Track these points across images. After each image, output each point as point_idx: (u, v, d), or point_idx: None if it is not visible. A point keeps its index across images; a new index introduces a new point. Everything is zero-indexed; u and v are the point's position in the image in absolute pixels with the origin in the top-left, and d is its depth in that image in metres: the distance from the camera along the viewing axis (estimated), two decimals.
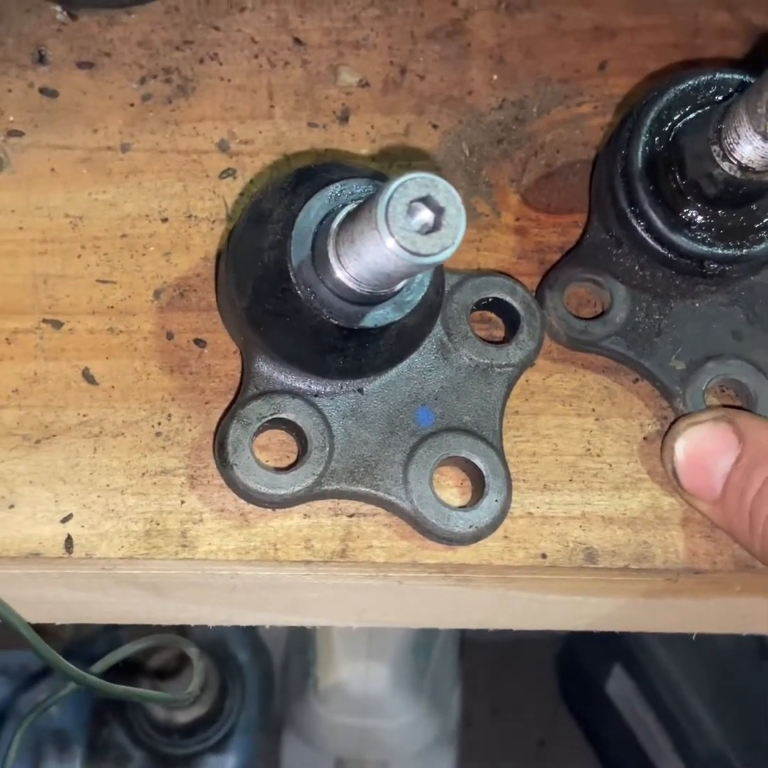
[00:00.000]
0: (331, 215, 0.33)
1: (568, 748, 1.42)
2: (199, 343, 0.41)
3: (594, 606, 0.41)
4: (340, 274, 0.32)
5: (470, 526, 0.37)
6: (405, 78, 0.48)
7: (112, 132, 0.45)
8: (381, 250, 0.28)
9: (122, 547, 0.38)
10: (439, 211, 0.28)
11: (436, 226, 0.28)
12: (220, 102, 0.46)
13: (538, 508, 0.39)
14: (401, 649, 1.04)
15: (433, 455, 0.38)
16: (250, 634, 1.08)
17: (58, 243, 0.43)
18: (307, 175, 0.35)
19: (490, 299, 0.40)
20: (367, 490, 0.37)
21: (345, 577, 0.38)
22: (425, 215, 0.28)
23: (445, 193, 0.28)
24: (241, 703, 1.01)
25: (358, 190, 0.34)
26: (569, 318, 0.41)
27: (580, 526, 0.39)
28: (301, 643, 1.09)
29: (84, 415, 0.40)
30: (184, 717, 0.96)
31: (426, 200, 0.28)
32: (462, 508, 0.38)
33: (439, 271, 0.37)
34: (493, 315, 0.42)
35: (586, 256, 0.42)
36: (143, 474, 0.39)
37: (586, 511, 0.39)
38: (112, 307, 0.42)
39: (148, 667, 0.92)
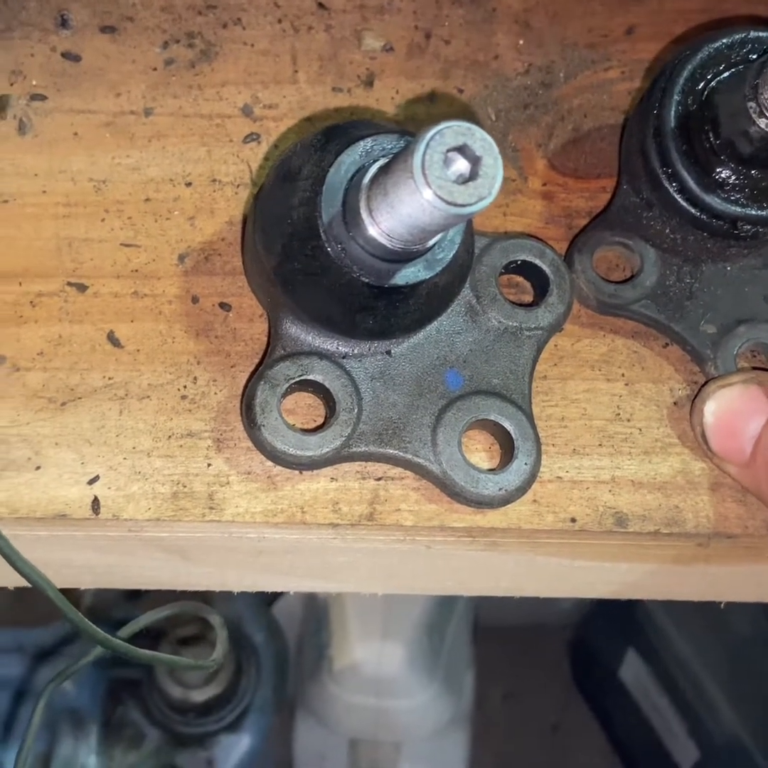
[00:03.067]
0: (362, 171, 0.33)
1: (580, 732, 1.42)
2: (224, 306, 0.41)
3: (622, 572, 0.41)
4: (371, 230, 0.32)
5: (500, 489, 0.37)
6: (430, 43, 0.47)
7: (135, 96, 0.45)
8: (417, 201, 0.28)
9: (149, 508, 0.37)
10: (475, 161, 0.28)
11: (472, 176, 0.28)
12: (243, 67, 0.46)
13: (567, 472, 0.39)
14: (416, 629, 1.04)
15: (462, 418, 0.38)
16: (265, 615, 1.08)
17: (81, 207, 0.42)
18: (336, 132, 0.35)
19: (518, 262, 0.40)
20: (396, 452, 0.37)
21: (372, 540, 0.38)
22: (461, 165, 0.28)
23: (482, 141, 0.28)
24: (256, 682, 1.02)
25: (389, 146, 0.33)
26: (599, 281, 0.40)
27: (610, 491, 0.39)
28: (315, 624, 1.09)
29: (109, 378, 0.39)
30: (199, 696, 0.97)
31: (462, 149, 0.28)
32: (491, 471, 0.37)
33: (470, 230, 0.36)
34: (520, 280, 0.42)
35: (616, 219, 0.41)
36: (169, 437, 0.39)
37: (615, 475, 0.39)
38: (137, 270, 0.41)
39: (168, 637, 0.92)
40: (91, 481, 0.38)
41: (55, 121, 0.44)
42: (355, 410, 0.37)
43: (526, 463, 0.37)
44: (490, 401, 0.38)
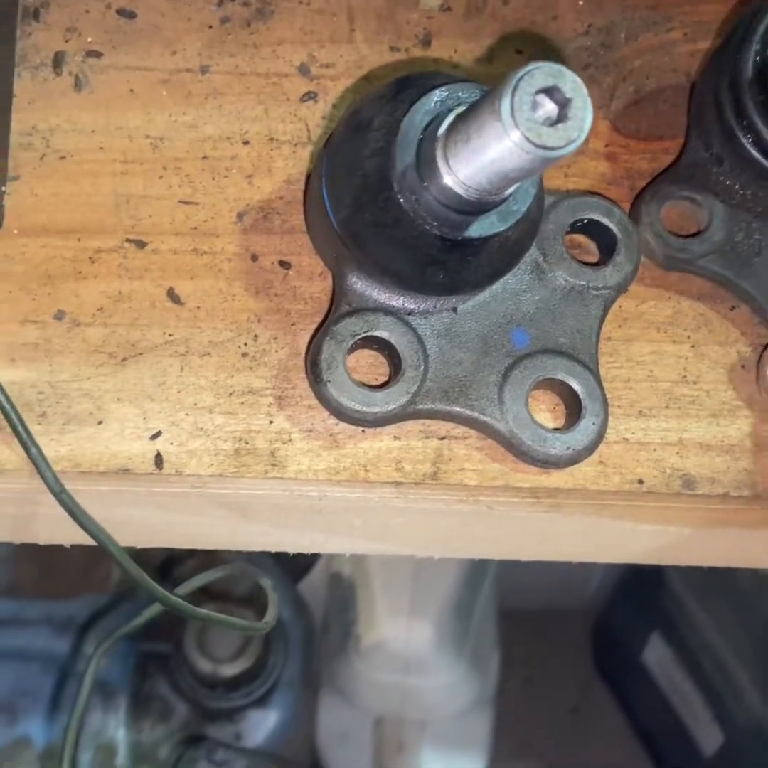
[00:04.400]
0: (437, 120, 0.32)
1: (600, 716, 1.42)
2: (284, 264, 0.41)
3: (686, 537, 0.40)
4: (447, 179, 0.31)
5: (567, 448, 0.36)
6: (488, 3, 0.47)
7: (191, 54, 0.44)
8: (504, 145, 0.27)
9: (212, 465, 0.37)
10: (564, 103, 0.27)
11: (561, 118, 0.27)
12: (299, 25, 0.45)
13: (633, 434, 0.38)
14: (444, 609, 1.03)
15: (528, 376, 0.37)
16: (292, 592, 1.08)
17: (139, 164, 0.42)
18: (407, 82, 0.34)
19: (585, 221, 0.39)
20: (462, 410, 0.36)
21: (435, 500, 0.38)
22: (549, 108, 0.27)
23: (572, 83, 0.27)
24: (284, 658, 1.01)
25: (464, 95, 0.33)
26: (666, 235, 0.40)
27: (677, 453, 0.38)
28: (341, 602, 1.09)
29: (170, 335, 0.39)
30: (228, 670, 0.97)
31: (550, 91, 0.27)
32: (558, 430, 0.37)
33: (541, 184, 0.36)
34: (583, 241, 0.41)
35: (684, 174, 0.41)
36: (231, 394, 0.38)
37: (682, 437, 0.38)
38: (196, 228, 0.41)
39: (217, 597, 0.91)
40: (154, 437, 0.37)
41: (111, 78, 0.44)
42: (421, 367, 0.36)
43: (593, 423, 0.36)
44: (557, 360, 0.37)
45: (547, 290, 0.38)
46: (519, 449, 0.36)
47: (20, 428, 0.35)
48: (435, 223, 0.33)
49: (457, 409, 0.37)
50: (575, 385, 0.37)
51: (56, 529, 0.40)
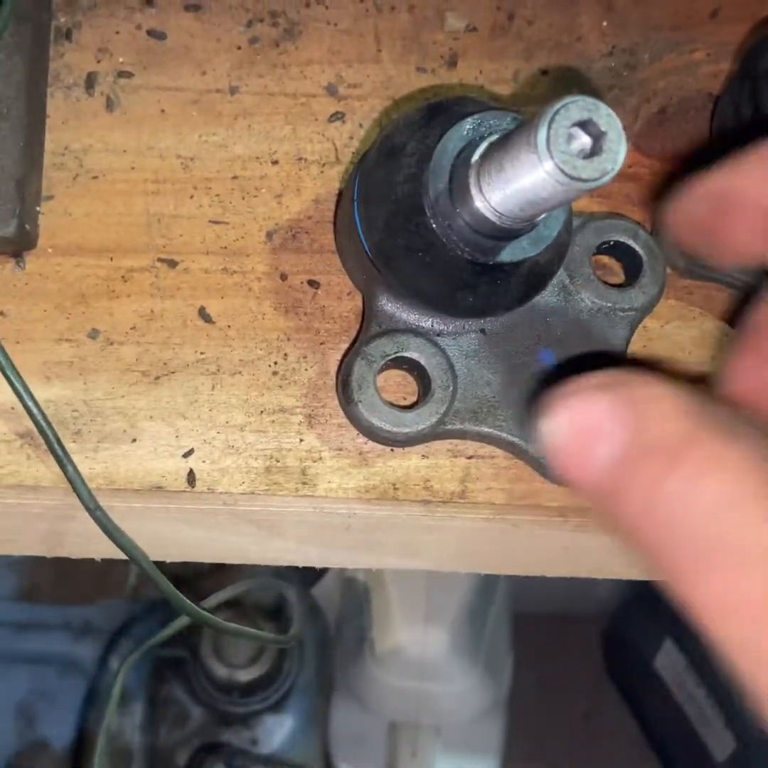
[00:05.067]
0: (470, 147, 0.33)
1: (612, 721, 1.42)
2: (313, 284, 0.41)
3: None
4: (480, 205, 0.32)
5: None
6: (513, 23, 0.47)
7: (221, 74, 0.45)
8: (538, 175, 0.28)
9: (243, 482, 0.38)
10: (599, 136, 0.28)
11: (595, 151, 0.28)
12: (327, 46, 0.46)
13: None
14: (459, 614, 1.04)
15: None
16: (307, 597, 1.09)
17: (170, 183, 0.43)
18: (439, 108, 0.35)
19: (611, 242, 0.40)
20: (491, 430, 0.37)
21: (463, 518, 0.38)
22: (584, 140, 0.28)
23: (607, 117, 0.28)
24: (300, 664, 1.02)
25: (496, 123, 0.33)
26: None
27: None
28: (356, 607, 1.09)
29: (201, 353, 0.40)
30: (244, 675, 0.97)
31: (585, 125, 0.28)
32: None
33: (569, 208, 0.36)
34: (608, 262, 0.42)
35: None
36: (261, 412, 0.39)
37: None
38: (226, 247, 0.42)
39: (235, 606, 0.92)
40: (186, 455, 0.38)
41: (142, 98, 0.44)
42: (450, 388, 0.37)
43: None
44: None
45: (575, 311, 0.39)
46: (547, 472, 0.37)
47: (56, 446, 0.36)
48: (467, 249, 0.33)
49: (486, 429, 0.37)
50: None
51: (88, 544, 0.40)
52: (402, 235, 0.34)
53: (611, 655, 1.43)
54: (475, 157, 0.32)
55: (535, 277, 0.35)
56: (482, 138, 0.33)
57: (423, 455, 0.38)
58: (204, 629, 0.98)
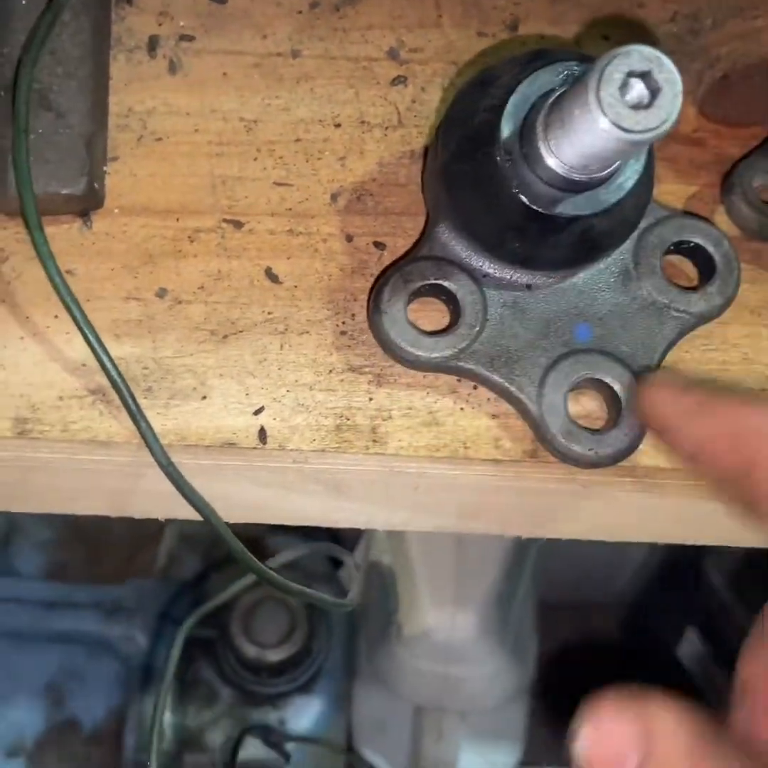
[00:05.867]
0: (551, 93, 0.33)
1: None
2: (379, 246, 0.41)
3: None
4: (542, 149, 0.32)
5: (590, 449, 0.36)
6: None
7: (281, 38, 0.45)
8: (587, 118, 0.28)
9: (314, 440, 0.38)
10: (655, 91, 0.28)
11: (648, 105, 0.27)
12: (387, 10, 0.46)
13: None
14: (487, 597, 1.04)
15: (577, 370, 0.37)
16: (334, 580, 1.09)
17: (233, 146, 0.43)
18: (545, 53, 0.35)
19: (692, 244, 0.39)
20: (501, 380, 0.37)
21: (532, 479, 0.38)
22: (640, 91, 0.28)
23: (668, 73, 0.28)
24: (328, 645, 1.02)
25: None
26: (760, 203, 0.40)
27: None
28: (381, 590, 1.09)
29: (269, 313, 0.40)
30: (273, 656, 0.97)
31: (645, 77, 0.28)
32: (588, 429, 0.37)
33: (647, 188, 0.36)
34: (682, 262, 0.41)
35: None
36: (330, 371, 0.39)
37: None
38: (291, 209, 0.42)
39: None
40: (257, 412, 0.38)
41: (204, 61, 0.44)
42: (477, 328, 0.37)
43: (625, 434, 0.36)
44: (611, 365, 0.37)
45: (627, 297, 0.39)
46: (544, 436, 0.37)
47: (130, 401, 0.36)
48: (524, 190, 0.33)
49: (497, 378, 0.37)
50: (620, 393, 0.37)
51: (155, 503, 0.40)
52: (469, 161, 0.35)
53: (633, 642, 1.43)
54: (550, 99, 0.32)
55: (587, 242, 0.35)
56: (567, 84, 0.33)
57: (493, 415, 0.38)
58: (234, 610, 0.98)
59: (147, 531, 1.04)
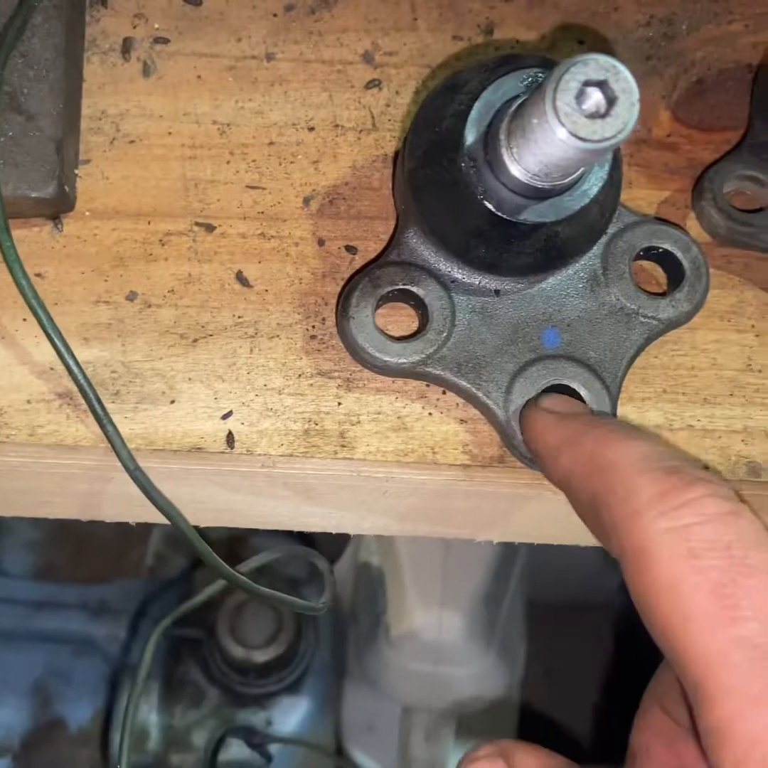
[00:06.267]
0: (515, 100, 0.33)
1: (623, 711, 1.43)
2: (350, 249, 0.41)
3: None
4: (505, 156, 0.32)
5: None
6: None
7: (256, 41, 0.45)
8: (544, 126, 0.28)
9: (282, 444, 0.38)
10: (611, 101, 0.28)
11: (603, 115, 0.27)
12: (363, 13, 0.46)
13: (698, 421, 0.39)
14: (474, 598, 1.04)
15: (545, 376, 0.37)
16: (315, 583, 1.09)
17: (206, 149, 0.43)
18: (512, 59, 0.35)
19: (660, 249, 0.39)
20: (468, 386, 0.37)
21: (501, 484, 0.38)
22: (597, 101, 0.28)
23: (625, 83, 0.28)
24: (315, 646, 1.02)
25: None
26: (730, 209, 0.40)
27: (743, 441, 0.39)
28: (370, 591, 1.09)
29: (239, 317, 0.40)
30: (260, 656, 0.98)
31: (601, 86, 0.28)
32: None
33: (614, 196, 0.36)
34: (652, 269, 0.41)
35: (748, 155, 0.41)
36: (299, 375, 0.39)
37: (748, 425, 0.39)
38: (263, 212, 0.42)
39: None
40: (225, 417, 0.38)
41: (178, 63, 0.44)
42: (445, 333, 0.37)
43: None
44: (579, 370, 0.37)
45: (596, 303, 0.38)
46: (510, 442, 0.37)
47: (96, 405, 0.36)
48: (488, 196, 0.34)
49: (464, 383, 0.37)
50: (587, 399, 0.37)
51: (125, 507, 0.40)
52: (434, 167, 0.35)
53: (623, 643, 1.43)
54: (514, 106, 0.32)
55: (553, 249, 0.35)
56: (529, 92, 0.33)
57: (462, 420, 0.38)
58: (221, 610, 0.98)
59: (134, 532, 1.04)
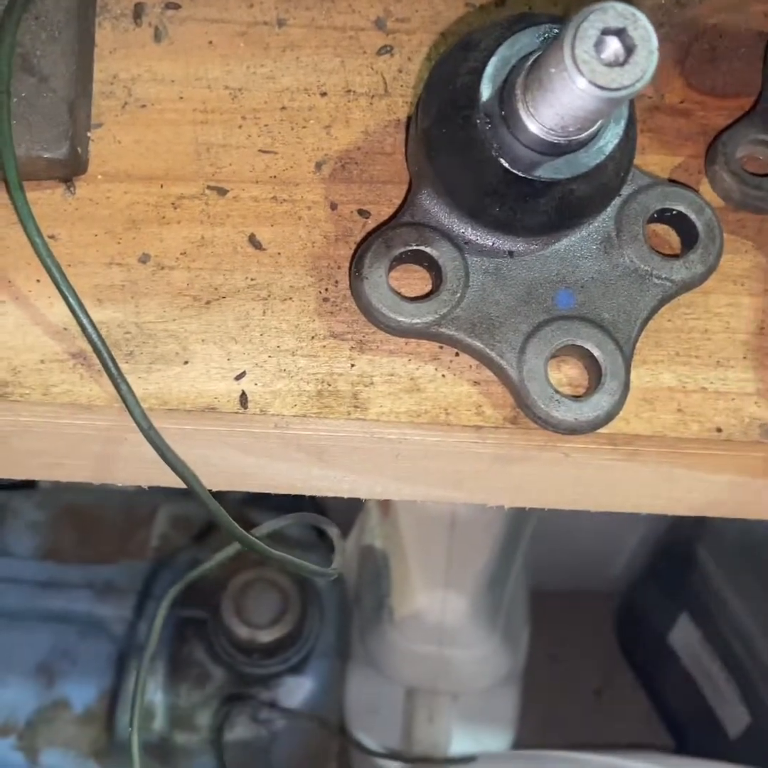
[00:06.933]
0: (531, 55, 0.33)
1: (624, 697, 1.43)
2: (363, 213, 0.41)
3: (759, 489, 0.40)
4: (521, 110, 0.32)
5: (570, 414, 0.36)
6: None
7: (267, 7, 0.45)
8: (562, 75, 0.28)
9: (295, 405, 0.38)
10: (630, 49, 0.27)
11: (621, 63, 0.27)
12: None
13: (711, 383, 0.39)
14: (478, 581, 1.04)
15: (558, 336, 0.37)
16: (322, 551, 1.09)
17: (218, 113, 0.43)
18: (528, 17, 0.35)
19: (674, 212, 0.39)
20: (482, 346, 0.37)
21: (513, 446, 0.38)
22: (615, 48, 0.28)
23: (643, 30, 0.27)
24: (320, 627, 1.02)
25: None
26: (743, 173, 0.40)
27: (756, 403, 0.39)
28: (374, 573, 1.10)
29: (252, 279, 0.40)
30: (265, 637, 0.97)
31: (620, 34, 0.27)
32: (568, 395, 0.37)
33: (628, 155, 0.36)
34: (666, 231, 0.41)
35: (760, 120, 0.41)
36: (312, 337, 0.39)
37: (760, 388, 0.39)
38: (275, 176, 0.42)
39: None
40: (238, 377, 0.38)
41: (190, 29, 0.44)
42: (458, 294, 0.37)
43: (605, 401, 0.36)
44: (592, 331, 0.37)
45: (610, 264, 0.38)
46: (524, 402, 0.37)
47: (110, 364, 0.36)
48: (504, 153, 0.33)
49: (478, 344, 0.37)
50: (600, 360, 0.37)
51: (138, 469, 0.40)
52: (449, 126, 0.34)
53: (625, 629, 1.43)
54: (529, 62, 0.32)
55: (567, 207, 0.35)
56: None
57: (475, 381, 0.38)
58: (226, 590, 0.98)
59: (140, 512, 1.04)
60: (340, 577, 1.08)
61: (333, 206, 0.41)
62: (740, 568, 1.17)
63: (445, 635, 1.04)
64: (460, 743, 1.13)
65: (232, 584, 0.97)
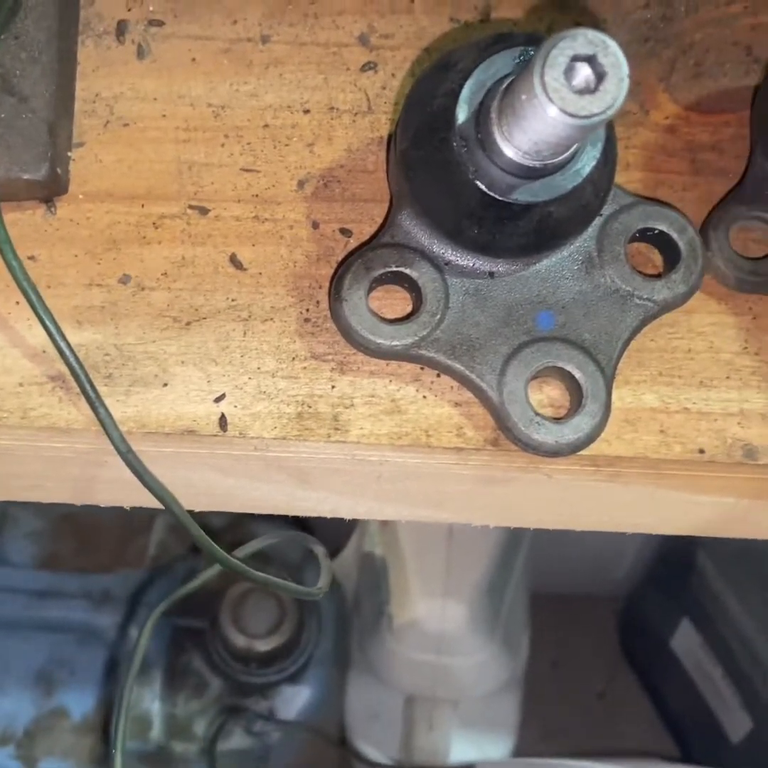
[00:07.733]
0: (509, 76, 0.32)
1: (626, 702, 1.42)
2: (345, 232, 0.41)
3: (746, 508, 0.40)
4: (496, 134, 0.32)
5: (551, 437, 0.36)
6: None
7: (252, 24, 0.45)
8: (533, 102, 0.28)
9: (275, 427, 0.37)
10: (600, 76, 0.27)
11: (592, 90, 0.27)
12: None
13: (694, 403, 0.38)
14: (477, 588, 1.04)
15: (539, 358, 0.37)
16: (313, 569, 1.09)
17: (201, 131, 0.42)
18: (505, 37, 0.34)
19: (656, 231, 0.39)
20: (462, 368, 0.37)
21: (495, 467, 0.38)
22: (586, 75, 0.27)
23: (613, 58, 0.27)
24: (318, 635, 1.02)
25: None
26: (736, 258, 0.40)
27: (739, 423, 0.38)
28: (373, 581, 1.09)
29: (233, 300, 0.39)
30: (262, 646, 0.98)
31: (590, 61, 0.27)
32: (549, 417, 0.37)
33: (605, 177, 0.35)
34: (648, 250, 0.40)
35: (752, 192, 0.40)
36: (293, 358, 0.39)
37: (744, 408, 0.38)
38: (257, 195, 0.41)
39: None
40: (218, 399, 0.38)
41: (173, 46, 0.44)
42: (438, 316, 0.37)
43: (586, 423, 0.36)
44: (573, 353, 0.37)
45: (591, 285, 0.38)
46: (505, 424, 0.36)
47: (88, 388, 0.35)
48: (480, 176, 0.33)
49: (458, 366, 0.37)
50: (582, 381, 0.37)
51: (118, 491, 0.40)
52: (426, 148, 0.34)
53: (627, 635, 1.43)
54: (505, 84, 0.32)
55: (545, 229, 0.35)
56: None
57: (456, 403, 0.38)
58: (224, 600, 0.98)
59: (137, 521, 1.04)
60: (338, 586, 1.08)
61: (315, 225, 0.41)
62: (741, 573, 1.16)
63: (445, 642, 1.04)
64: (460, 751, 1.13)
65: (230, 594, 0.97)
